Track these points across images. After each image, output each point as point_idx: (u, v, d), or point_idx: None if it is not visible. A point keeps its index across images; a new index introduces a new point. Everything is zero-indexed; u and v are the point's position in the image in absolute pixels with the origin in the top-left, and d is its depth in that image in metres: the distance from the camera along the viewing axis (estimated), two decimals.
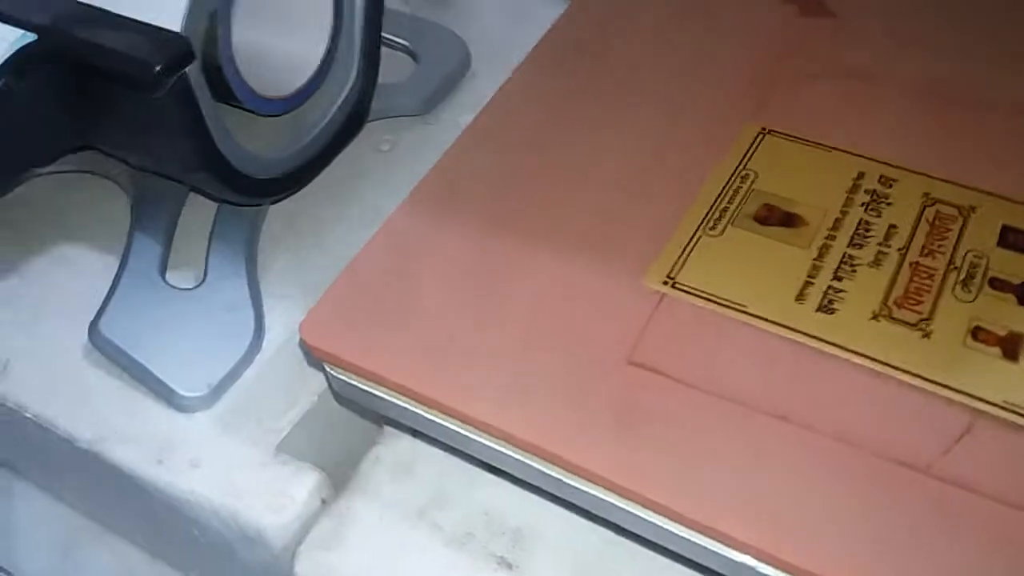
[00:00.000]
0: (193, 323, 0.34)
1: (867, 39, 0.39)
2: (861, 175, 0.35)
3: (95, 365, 0.35)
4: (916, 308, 0.30)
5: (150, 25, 0.29)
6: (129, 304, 0.34)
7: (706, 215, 0.33)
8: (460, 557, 0.30)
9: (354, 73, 0.38)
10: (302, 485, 0.31)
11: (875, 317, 0.30)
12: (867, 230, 0.33)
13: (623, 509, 0.27)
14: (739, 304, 0.30)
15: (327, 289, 0.31)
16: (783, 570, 0.25)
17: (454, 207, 0.34)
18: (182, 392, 0.33)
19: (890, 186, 0.34)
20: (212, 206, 0.38)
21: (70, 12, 0.31)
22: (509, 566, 0.30)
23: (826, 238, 0.33)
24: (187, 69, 0.29)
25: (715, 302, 0.31)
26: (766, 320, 0.30)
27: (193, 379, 0.33)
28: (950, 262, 0.32)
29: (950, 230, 0.33)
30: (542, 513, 0.32)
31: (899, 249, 0.32)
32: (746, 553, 0.26)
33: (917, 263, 0.32)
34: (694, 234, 0.33)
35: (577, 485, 0.28)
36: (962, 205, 0.33)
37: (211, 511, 0.32)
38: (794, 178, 0.34)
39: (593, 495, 0.28)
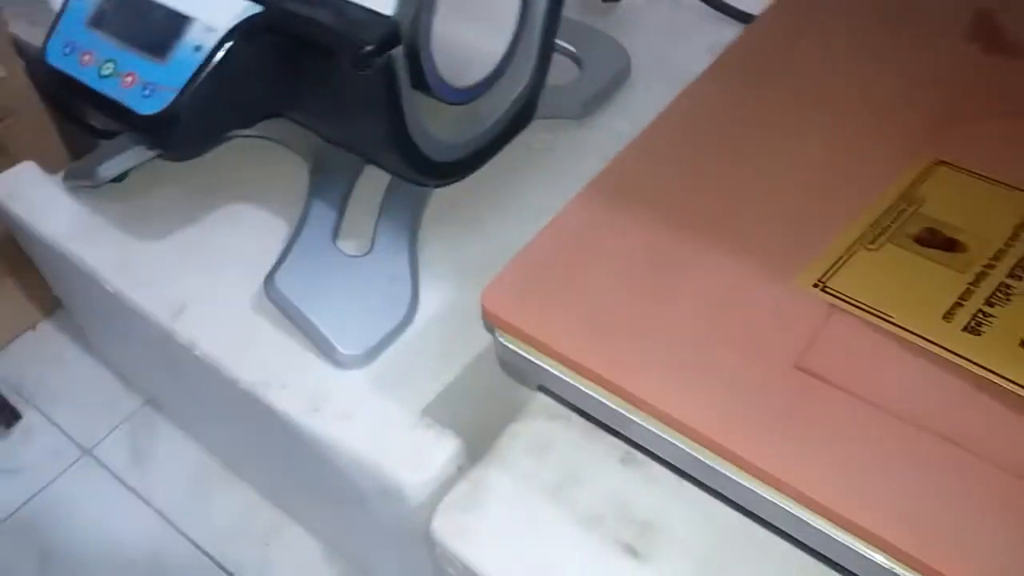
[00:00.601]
0: (357, 288, 0.37)
1: None
2: None
3: (263, 315, 0.38)
4: None
5: (365, 7, 0.31)
6: (303, 263, 0.37)
7: (867, 230, 0.34)
8: (589, 537, 0.32)
9: (530, 70, 0.40)
10: (443, 449, 0.33)
11: (1022, 344, 0.30)
12: None
13: (773, 502, 0.28)
14: (885, 314, 0.31)
15: (508, 263, 0.32)
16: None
17: (628, 202, 0.35)
18: (342, 349, 0.35)
19: None
20: (382, 182, 0.41)
21: None
22: (635, 554, 0.31)
23: (985, 266, 0.33)
24: (393, 52, 0.32)
25: (862, 308, 0.31)
26: (909, 332, 0.30)
27: (353, 338, 0.35)
28: None
29: None
30: (672, 508, 0.33)
31: None
32: (899, 561, 0.26)
33: None
34: (851, 246, 0.33)
35: (729, 474, 0.29)
36: None
37: (357, 462, 0.34)
38: (962, 207, 0.35)
39: (745, 485, 0.28)
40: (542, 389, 0.35)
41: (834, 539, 0.27)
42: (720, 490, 0.29)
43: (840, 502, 0.27)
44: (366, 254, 0.38)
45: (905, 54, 0.41)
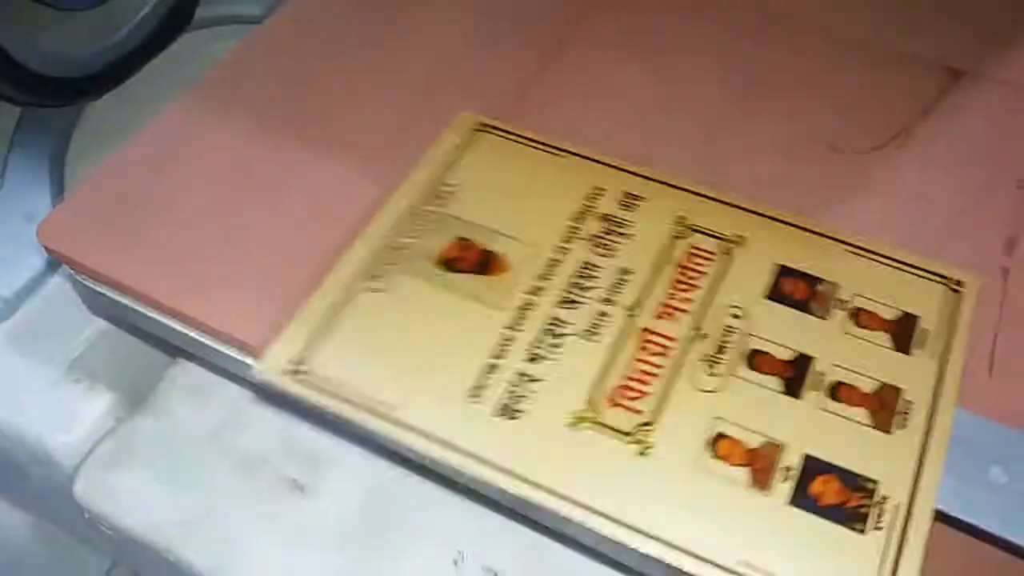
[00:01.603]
0: None
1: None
2: (599, 192, 0.26)
3: None
4: (637, 404, 0.22)
5: None
6: None
7: (374, 255, 0.24)
8: (252, 479, 0.30)
9: None
10: (93, 405, 0.32)
11: (576, 422, 0.21)
12: (589, 278, 0.24)
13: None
14: (387, 406, 0.22)
15: (73, 191, 0.30)
16: None
17: (226, 108, 0.30)
18: None
19: (634, 208, 0.25)
20: (12, 107, 0.36)
21: None
22: (301, 488, 0.31)
23: (529, 292, 0.23)
24: None
25: (351, 402, 0.22)
26: (416, 432, 0.21)
27: None
28: (696, 326, 0.23)
29: (703, 275, 0.24)
30: (338, 441, 0.33)
31: (628, 308, 0.23)
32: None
33: (649, 331, 0.23)
34: (350, 287, 0.24)
35: None
36: (726, 235, 0.25)
37: None
38: (506, 197, 0.26)
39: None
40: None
41: None
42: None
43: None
44: None
45: None
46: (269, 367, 0.23)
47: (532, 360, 0.22)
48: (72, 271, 0.29)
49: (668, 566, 0.20)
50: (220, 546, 0.28)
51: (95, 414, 0.32)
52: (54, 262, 0.34)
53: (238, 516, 0.31)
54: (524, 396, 0.22)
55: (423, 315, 0.23)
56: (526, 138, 0.27)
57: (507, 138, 0.27)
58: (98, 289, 0.29)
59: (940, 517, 0.21)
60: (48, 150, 0.35)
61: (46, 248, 0.28)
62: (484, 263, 0.24)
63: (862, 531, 0.20)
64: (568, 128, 0.28)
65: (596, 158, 0.27)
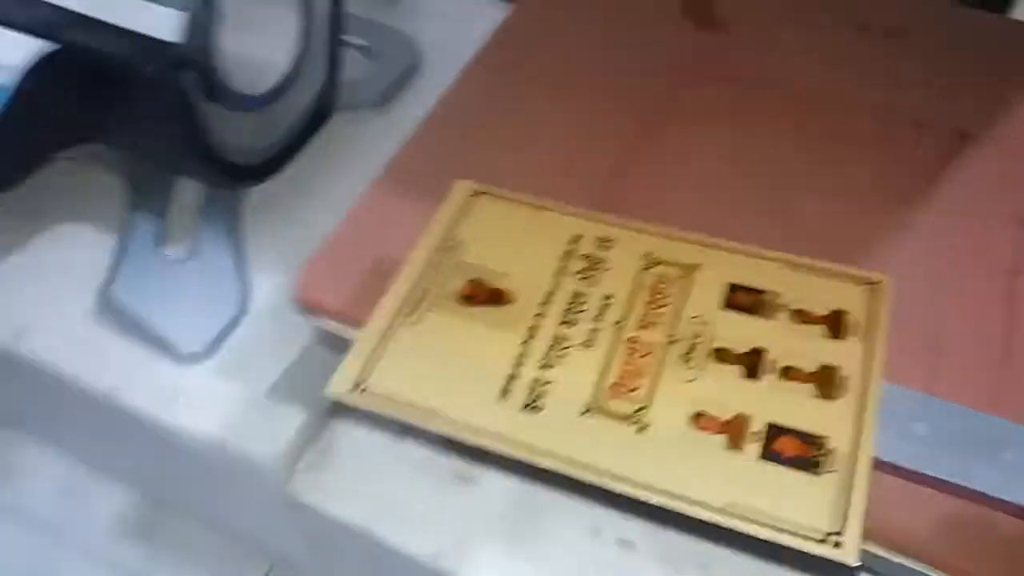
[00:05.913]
0: (188, 289, 0.39)
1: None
2: (577, 238, 0.31)
3: (103, 327, 0.39)
4: (632, 395, 0.27)
5: (153, 37, 0.33)
6: (133, 273, 0.40)
7: (405, 298, 0.30)
8: (424, 475, 0.33)
9: (321, 72, 0.42)
10: (291, 421, 0.35)
11: (587, 411, 0.27)
12: (581, 303, 0.29)
13: None
14: (434, 409, 0.27)
15: (315, 251, 0.34)
16: None
17: (420, 183, 0.35)
18: (183, 347, 0.37)
19: (608, 248, 0.31)
20: (201, 188, 0.43)
21: (85, 24, 0.34)
22: (466, 480, 0.33)
23: (536, 316, 0.29)
24: (184, 73, 0.33)
25: (409, 407, 0.27)
26: (463, 426, 0.26)
27: (191, 336, 0.38)
28: (671, 334, 0.28)
29: (671, 295, 0.29)
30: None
31: (615, 323, 0.29)
32: None
33: (635, 339, 0.28)
34: (391, 324, 0.29)
35: None
36: (685, 264, 0.30)
37: (215, 446, 0.36)
38: (504, 246, 0.31)
39: None
40: None
41: None
42: None
43: None
44: (192, 257, 0.40)
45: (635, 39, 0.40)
46: (338, 389, 0.28)
47: (546, 368, 0.28)
48: (323, 319, 0.33)
49: (672, 512, 0.25)
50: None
51: (292, 430, 0.35)
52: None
53: (418, 500, 0.33)
54: (542, 395, 0.27)
55: (453, 340, 0.29)
56: (513, 199, 0.33)
57: (499, 199, 0.33)
58: (340, 333, 0.33)
59: (876, 463, 0.26)
60: (228, 222, 0.42)
61: (304, 300, 0.33)
62: (495, 297, 0.30)
63: (818, 473, 0.25)
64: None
65: (570, 212, 0.32)
